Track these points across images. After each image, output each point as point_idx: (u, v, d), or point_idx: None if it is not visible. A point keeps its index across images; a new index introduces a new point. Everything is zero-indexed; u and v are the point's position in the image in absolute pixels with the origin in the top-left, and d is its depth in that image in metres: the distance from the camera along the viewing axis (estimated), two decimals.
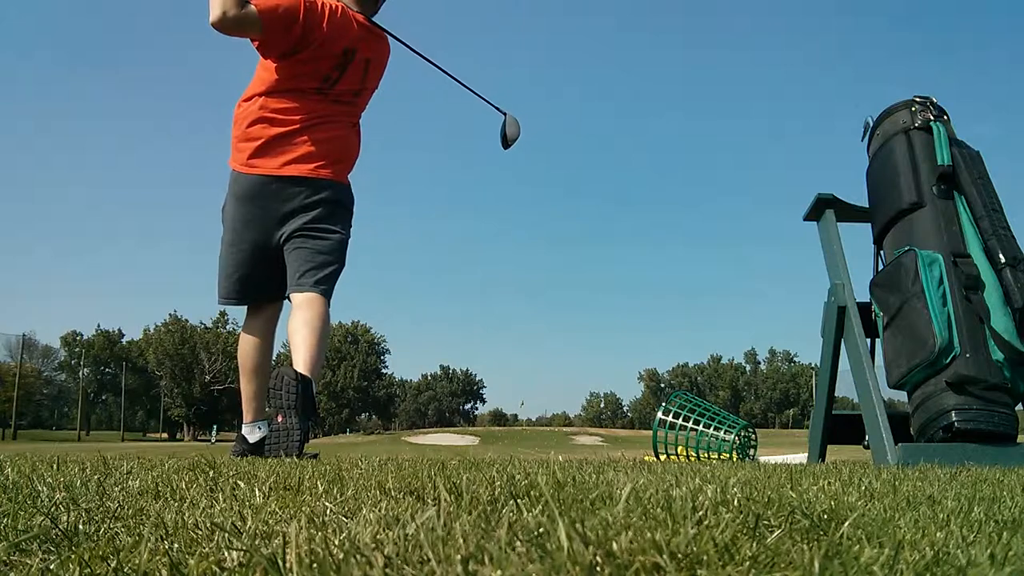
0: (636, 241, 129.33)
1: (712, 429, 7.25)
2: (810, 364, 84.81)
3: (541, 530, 0.69)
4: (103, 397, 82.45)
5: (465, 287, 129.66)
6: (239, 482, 1.27)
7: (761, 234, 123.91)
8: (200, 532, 0.80)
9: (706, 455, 7.07)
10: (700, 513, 0.86)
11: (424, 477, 1.39)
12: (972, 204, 3.30)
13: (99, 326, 78.70)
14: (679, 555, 0.63)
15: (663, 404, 7.62)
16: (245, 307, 3.02)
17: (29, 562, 0.68)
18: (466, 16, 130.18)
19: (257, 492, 1.14)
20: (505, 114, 3.32)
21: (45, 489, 1.17)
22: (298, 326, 2.68)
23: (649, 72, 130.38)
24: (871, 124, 3.78)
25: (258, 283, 2.92)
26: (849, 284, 3.54)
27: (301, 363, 2.60)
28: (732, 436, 7.20)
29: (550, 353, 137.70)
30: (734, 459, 6.52)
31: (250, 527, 0.82)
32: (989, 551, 0.73)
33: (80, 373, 72.17)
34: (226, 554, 0.66)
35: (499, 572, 0.57)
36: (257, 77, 2.88)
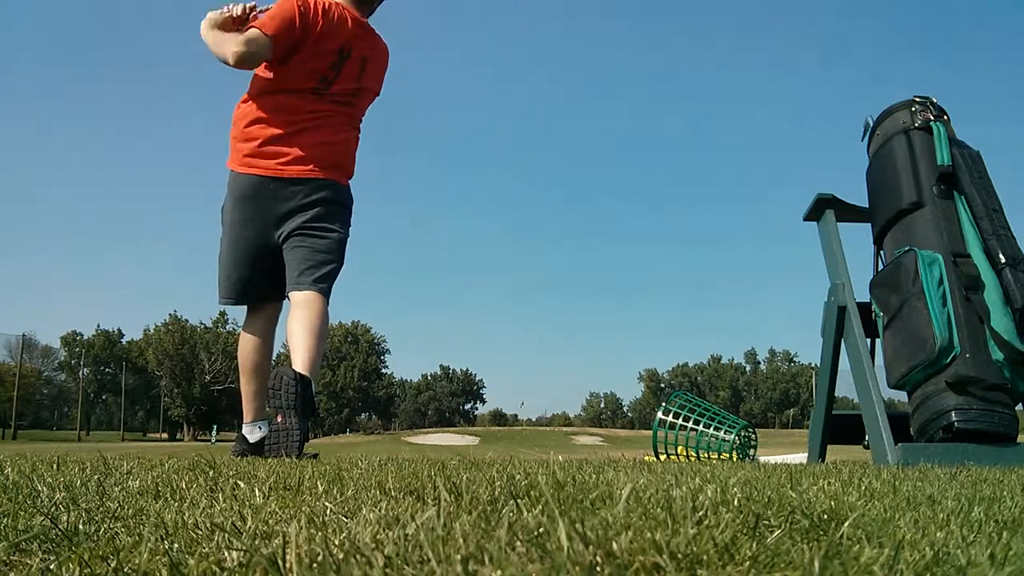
0: (636, 241, 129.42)
1: (712, 429, 7.24)
2: (810, 364, 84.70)
3: (541, 530, 0.69)
4: (103, 397, 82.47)
5: (465, 287, 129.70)
6: (239, 482, 1.27)
7: (761, 234, 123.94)
8: (200, 532, 0.80)
9: (706, 455, 7.06)
10: (700, 513, 0.86)
11: (424, 477, 1.39)
12: (972, 204, 3.30)
13: (99, 326, 78.91)
14: (679, 555, 0.63)
15: (663, 404, 7.61)
16: (245, 307, 3.02)
17: (29, 562, 0.68)
18: (466, 16, 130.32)
19: (257, 492, 1.14)
20: None
21: (45, 489, 1.17)
22: (297, 326, 2.68)
23: (650, 72, 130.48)
24: (871, 124, 3.77)
25: (258, 283, 2.92)
26: (849, 284, 3.53)
27: (300, 363, 2.60)
28: (732, 436, 7.19)
29: (550, 353, 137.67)
30: (734, 459, 6.52)
31: (250, 527, 0.82)
32: (989, 551, 0.73)
33: (80, 373, 72.13)
34: (226, 554, 0.66)
35: (499, 572, 0.57)
36: (255, 78, 2.90)
